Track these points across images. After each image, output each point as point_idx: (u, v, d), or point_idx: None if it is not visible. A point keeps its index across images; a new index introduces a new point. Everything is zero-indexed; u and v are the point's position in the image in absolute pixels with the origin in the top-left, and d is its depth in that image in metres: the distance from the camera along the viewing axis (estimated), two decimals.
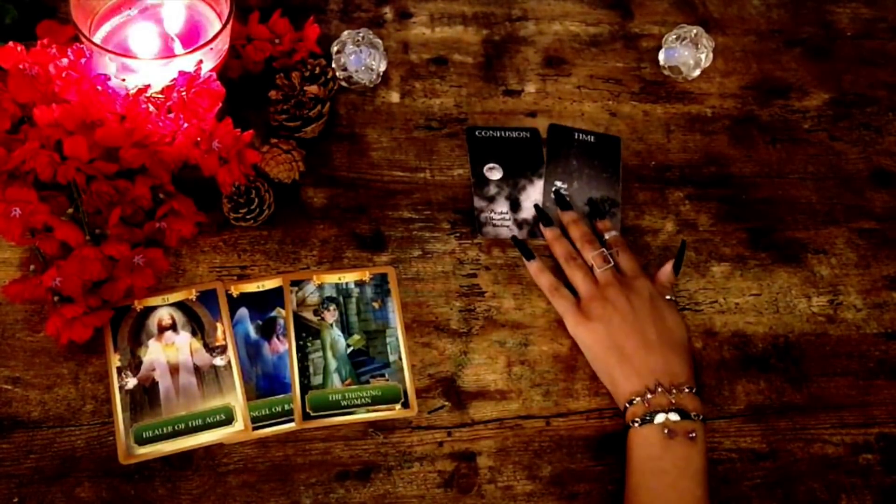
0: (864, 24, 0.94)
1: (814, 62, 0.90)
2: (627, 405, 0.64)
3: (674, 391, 0.63)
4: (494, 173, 0.77)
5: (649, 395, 0.63)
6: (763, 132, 0.85)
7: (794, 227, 0.79)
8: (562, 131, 0.81)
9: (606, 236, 0.74)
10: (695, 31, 0.85)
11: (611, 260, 0.71)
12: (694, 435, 0.62)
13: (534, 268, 0.73)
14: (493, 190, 0.77)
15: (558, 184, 0.77)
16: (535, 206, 0.76)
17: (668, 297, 0.71)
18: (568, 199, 0.76)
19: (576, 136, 0.81)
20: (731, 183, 0.81)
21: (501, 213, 0.76)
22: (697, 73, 0.86)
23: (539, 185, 0.78)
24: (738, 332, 0.73)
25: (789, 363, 0.72)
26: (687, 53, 0.85)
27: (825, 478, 0.67)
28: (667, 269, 0.73)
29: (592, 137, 0.81)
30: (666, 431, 0.62)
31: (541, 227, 0.75)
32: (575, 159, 0.79)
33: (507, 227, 0.75)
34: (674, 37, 0.86)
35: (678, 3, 0.92)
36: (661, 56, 0.86)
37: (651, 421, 0.62)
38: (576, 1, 0.91)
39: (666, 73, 0.87)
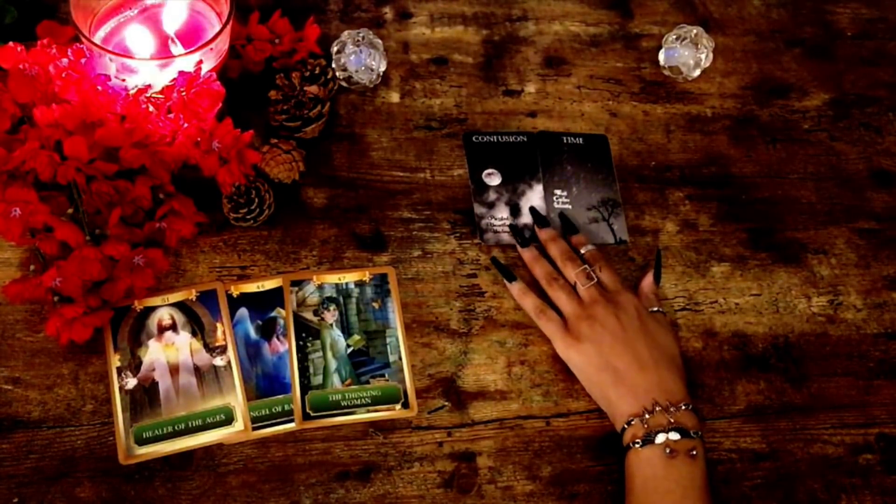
0: (864, 24, 0.94)
1: (814, 62, 0.90)
2: (626, 426, 0.64)
3: (672, 409, 0.63)
4: (493, 179, 0.77)
5: (647, 416, 0.63)
6: (763, 132, 0.85)
7: (794, 227, 0.79)
8: (550, 137, 0.80)
9: (583, 251, 0.72)
10: (695, 31, 0.85)
11: (594, 276, 0.70)
12: (695, 453, 0.61)
13: (516, 290, 0.71)
14: (492, 196, 0.77)
15: (558, 192, 0.76)
16: (531, 208, 0.76)
17: (654, 308, 0.70)
18: (548, 214, 0.75)
19: (564, 141, 0.80)
20: (731, 183, 0.81)
21: (502, 218, 0.76)
22: (697, 73, 0.86)
23: (538, 189, 0.77)
24: (738, 332, 0.73)
25: (789, 363, 0.72)
26: (687, 53, 0.85)
27: (825, 478, 0.67)
28: (648, 280, 0.72)
29: (581, 140, 0.81)
30: (667, 451, 0.61)
31: (518, 248, 0.73)
32: (568, 164, 0.79)
33: (510, 232, 0.75)
34: (674, 37, 0.86)
35: (678, 3, 0.92)
36: (661, 56, 0.86)
37: (652, 442, 0.62)
38: (576, 1, 0.91)
39: (666, 73, 0.87)
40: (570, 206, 0.77)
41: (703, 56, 0.85)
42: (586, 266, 0.70)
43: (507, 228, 0.75)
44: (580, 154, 0.80)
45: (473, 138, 0.80)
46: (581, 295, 0.69)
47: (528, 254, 0.73)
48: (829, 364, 0.73)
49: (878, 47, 0.93)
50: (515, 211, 0.76)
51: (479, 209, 0.76)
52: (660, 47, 0.87)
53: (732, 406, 0.70)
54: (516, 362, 0.70)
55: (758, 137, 0.84)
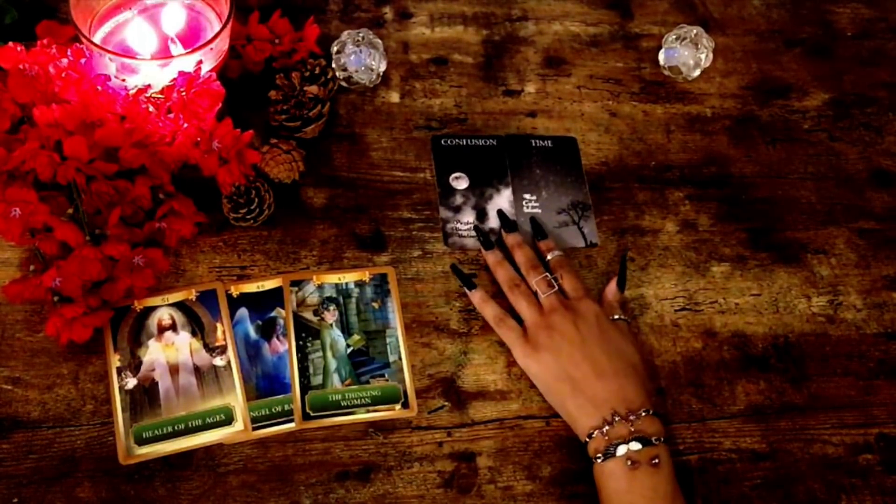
0: (864, 24, 0.94)
1: (814, 62, 0.90)
2: (587, 439, 0.63)
3: (631, 417, 0.62)
4: (461, 182, 0.77)
5: (607, 427, 0.62)
6: (763, 132, 0.85)
7: (794, 227, 0.79)
8: (518, 141, 0.80)
9: (549, 257, 0.72)
10: (695, 31, 0.85)
11: (554, 284, 0.69)
12: (657, 461, 0.61)
13: (476, 298, 0.70)
14: (458, 200, 0.76)
15: (527, 196, 0.76)
16: (499, 211, 0.75)
17: (616, 316, 0.69)
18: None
19: (533, 144, 0.80)
20: (731, 183, 0.81)
21: (468, 223, 0.75)
22: (697, 73, 0.86)
23: (506, 193, 0.77)
24: (738, 332, 0.73)
25: (789, 363, 0.72)
26: (687, 53, 0.85)
27: (825, 478, 0.67)
28: (612, 287, 0.72)
29: (549, 142, 0.80)
30: (629, 463, 0.60)
31: (482, 251, 0.73)
32: (537, 168, 0.78)
33: (474, 237, 0.74)
34: (674, 37, 0.86)
35: (678, 3, 0.92)
36: (661, 56, 0.86)
37: (613, 454, 0.61)
38: (576, 1, 0.91)
39: (666, 73, 0.87)
40: (539, 210, 0.76)
41: (703, 56, 0.85)
42: (547, 274, 0.70)
43: (472, 233, 0.74)
44: (549, 157, 0.79)
45: (442, 141, 0.79)
46: (542, 303, 0.69)
47: (491, 257, 0.72)
48: (829, 364, 0.73)
49: (878, 47, 0.93)
50: (482, 215, 0.75)
51: (444, 213, 0.75)
52: (660, 47, 0.87)
53: (732, 406, 0.70)
54: (516, 362, 0.69)
55: (758, 137, 0.84)
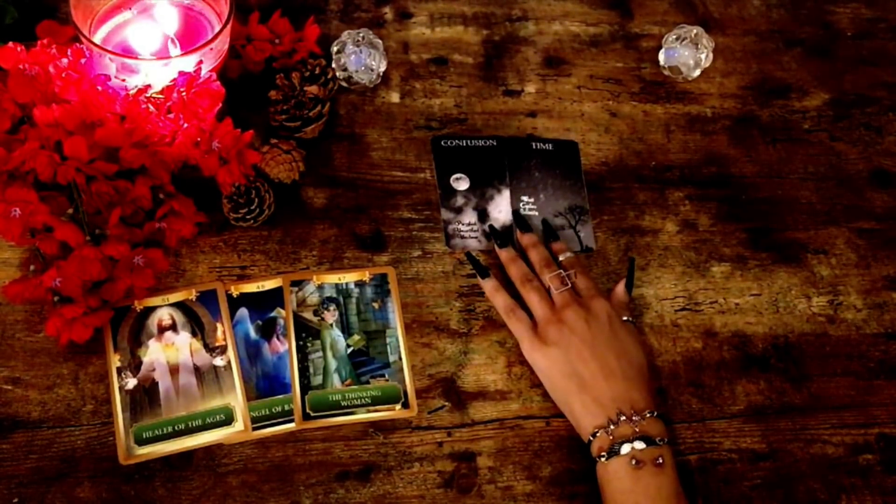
0: (864, 24, 0.94)
1: (814, 62, 0.90)
2: (591, 438, 0.63)
3: (636, 418, 0.62)
4: (461, 183, 0.77)
5: (612, 427, 0.62)
6: (763, 132, 0.85)
7: (794, 227, 0.79)
8: (518, 143, 0.80)
9: (561, 258, 0.71)
10: (695, 31, 0.85)
11: (568, 282, 0.69)
12: (661, 461, 0.61)
13: (489, 286, 0.71)
14: (460, 201, 0.76)
15: (525, 198, 0.76)
16: (514, 212, 0.75)
17: (624, 318, 0.69)
18: (528, 219, 0.75)
19: (533, 146, 0.80)
20: (731, 183, 0.81)
21: (469, 224, 0.75)
22: (697, 73, 0.86)
23: (507, 193, 0.77)
24: (738, 332, 0.73)
25: (789, 363, 0.72)
26: (687, 53, 0.85)
27: (825, 478, 0.67)
28: (619, 289, 0.71)
29: (550, 145, 0.80)
30: (633, 462, 0.60)
31: (496, 248, 0.73)
32: (536, 171, 0.78)
33: (476, 238, 0.74)
34: (674, 37, 0.86)
35: (678, 3, 0.92)
36: (661, 56, 0.86)
37: (617, 453, 0.61)
38: (576, 1, 0.91)
39: (666, 73, 0.87)
40: (536, 213, 0.76)
41: (703, 56, 0.85)
42: (561, 271, 0.70)
43: (474, 234, 0.74)
44: (549, 160, 0.79)
45: (442, 142, 0.79)
46: (554, 299, 0.68)
47: (505, 254, 0.72)
48: (829, 364, 0.73)
49: (878, 47, 0.93)
50: (483, 216, 0.76)
51: (446, 214, 0.75)
52: (660, 47, 0.87)
53: (732, 406, 0.70)
54: (516, 362, 0.70)
55: (758, 137, 0.84)
